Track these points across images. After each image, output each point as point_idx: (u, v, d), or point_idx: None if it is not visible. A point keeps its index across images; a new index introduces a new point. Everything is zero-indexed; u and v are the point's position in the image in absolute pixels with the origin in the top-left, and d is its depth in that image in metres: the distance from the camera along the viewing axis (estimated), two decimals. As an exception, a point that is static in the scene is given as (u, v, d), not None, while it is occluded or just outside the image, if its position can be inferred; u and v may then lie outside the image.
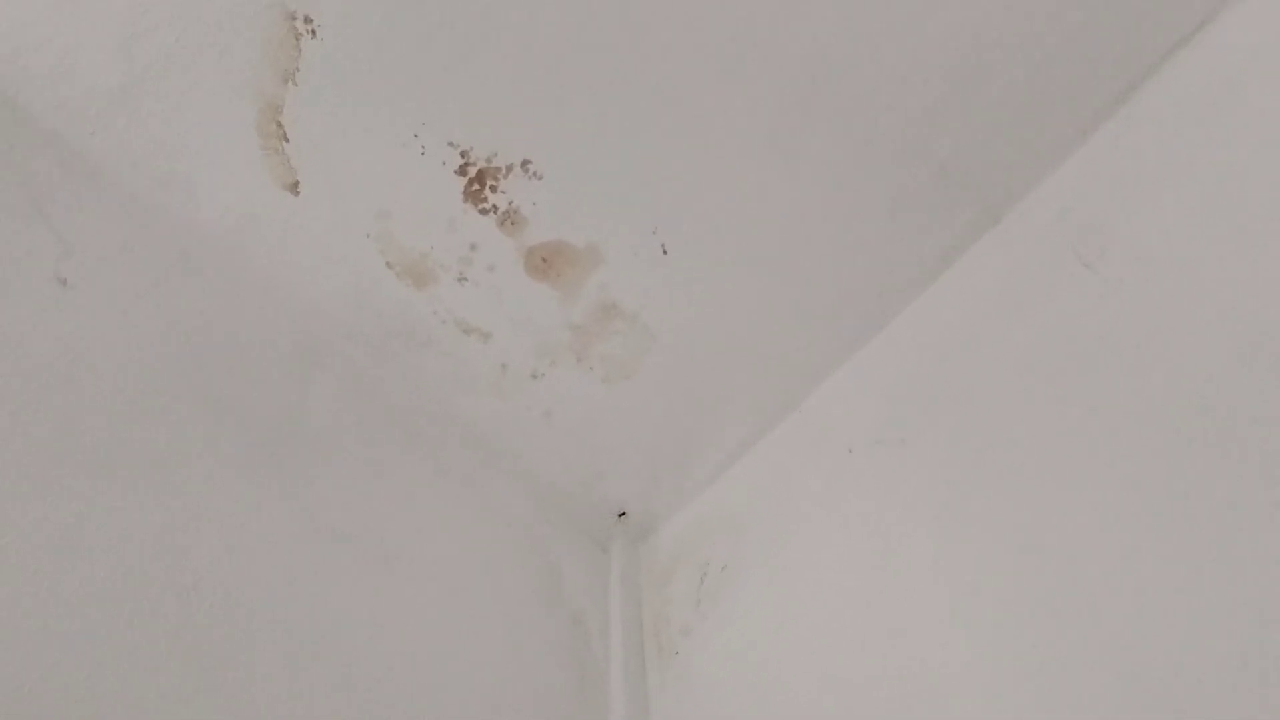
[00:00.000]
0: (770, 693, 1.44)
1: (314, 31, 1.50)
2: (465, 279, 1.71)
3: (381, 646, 1.38)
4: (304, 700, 1.22)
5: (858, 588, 1.41)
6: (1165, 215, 1.33)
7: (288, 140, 1.59)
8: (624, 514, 1.99)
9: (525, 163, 1.60)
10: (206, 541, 1.27)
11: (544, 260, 1.69)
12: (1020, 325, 1.46)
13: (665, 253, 1.68)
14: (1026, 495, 1.27)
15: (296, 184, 1.62)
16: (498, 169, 1.61)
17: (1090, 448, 1.22)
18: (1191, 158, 1.34)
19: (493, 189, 1.62)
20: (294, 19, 1.49)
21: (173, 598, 1.17)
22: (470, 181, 1.62)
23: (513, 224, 1.65)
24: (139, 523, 1.21)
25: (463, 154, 1.59)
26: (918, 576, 1.34)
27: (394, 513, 1.57)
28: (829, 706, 1.33)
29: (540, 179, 1.61)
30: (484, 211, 1.64)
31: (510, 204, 1.64)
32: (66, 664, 1.03)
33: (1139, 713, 0.95)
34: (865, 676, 1.31)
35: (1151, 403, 1.17)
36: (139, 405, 1.34)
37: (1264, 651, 0.89)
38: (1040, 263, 1.49)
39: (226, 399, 1.47)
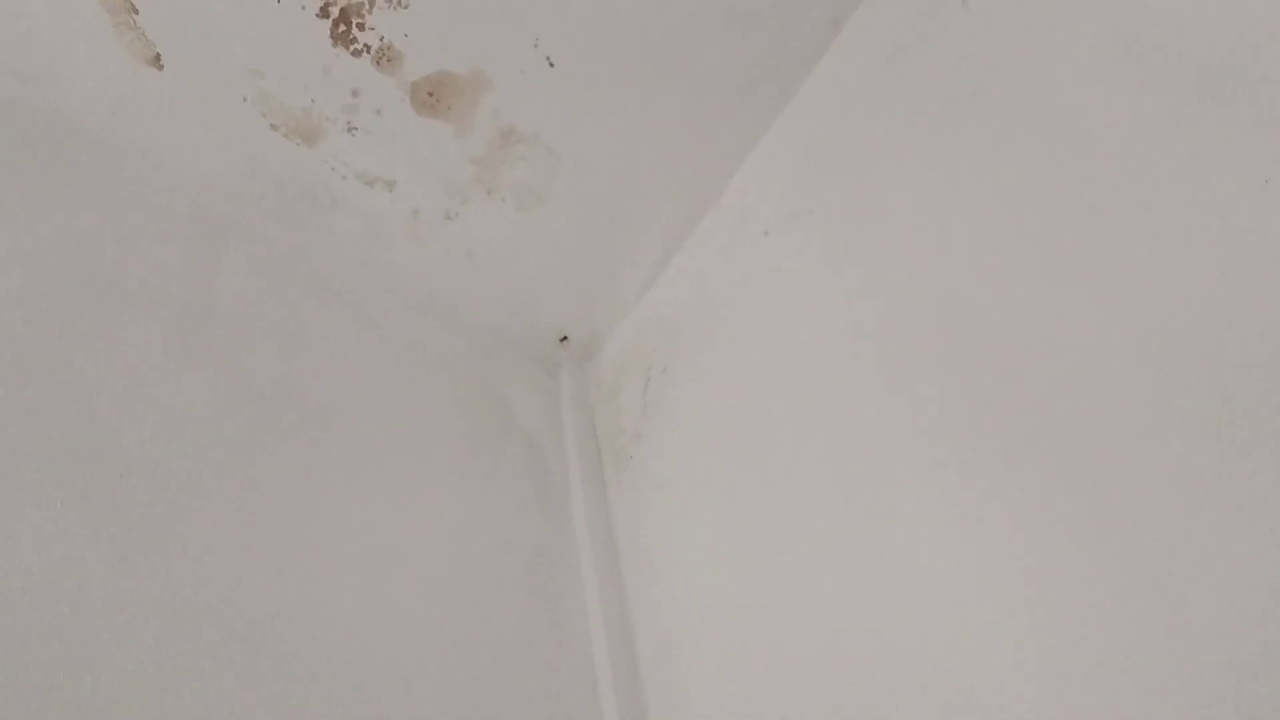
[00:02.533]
0: (716, 480, 1.48)
1: (135, -114, 1.41)
2: (354, 128, 1.67)
3: (329, 509, 1.40)
4: (251, 574, 1.24)
5: (783, 366, 1.43)
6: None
7: (137, 11, 1.52)
8: (565, 338, 2.00)
9: (388, -8, 1.54)
10: (132, 424, 1.28)
11: (430, 95, 1.65)
12: (909, 77, 1.44)
13: (552, 65, 1.63)
14: (927, 236, 1.28)
15: (158, 57, 1.56)
16: (360, 4, 1.54)
17: (979, 181, 1.22)
18: None
19: (359, 27, 1.56)
20: (110, -125, 1.40)
21: (105, 481, 1.20)
22: (335, 23, 1.56)
23: (389, 61, 1.60)
24: (62, 415, 1.22)
25: (320, -7, 1.52)
26: (836, 341, 1.35)
27: (325, 372, 1.58)
28: (770, 484, 1.37)
29: (407, 8, 1.55)
30: (356, 53, 1.59)
31: (382, 40, 1.58)
32: (3, 556, 1.05)
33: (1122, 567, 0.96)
34: (799, 449, 1.35)
35: (1034, 122, 1.16)
36: (40, 309, 1.33)
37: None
38: (922, 11, 1.45)
39: (134, 288, 1.46)
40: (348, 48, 1.58)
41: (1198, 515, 0.82)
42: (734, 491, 1.45)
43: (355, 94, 1.63)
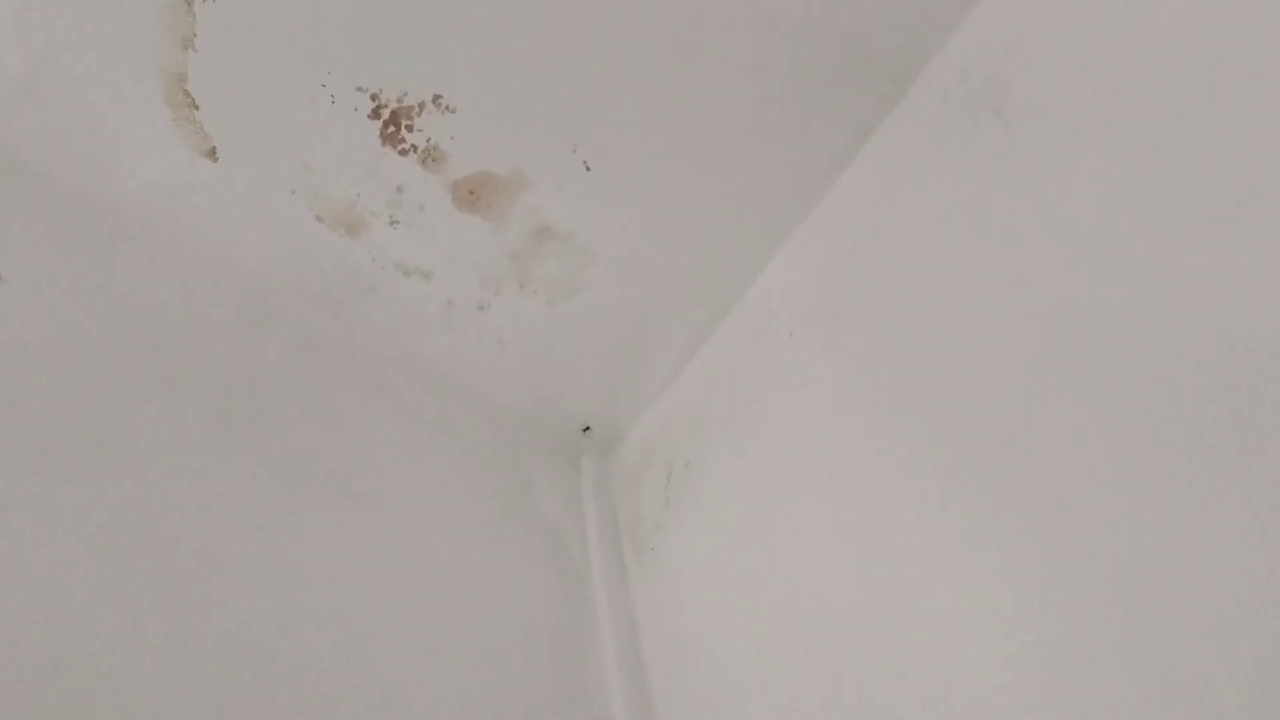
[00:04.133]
0: (738, 572, 1.51)
1: (204, -6, 1.50)
2: (397, 222, 1.74)
3: (360, 585, 1.43)
4: (288, 645, 1.28)
5: (807, 463, 1.48)
6: (1061, 58, 1.37)
7: (197, 107, 1.59)
8: (588, 428, 2.05)
9: (436, 98, 1.62)
10: (177, 505, 1.32)
11: (471, 192, 1.72)
12: (936, 187, 1.51)
13: (588, 169, 1.71)
14: (958, 348, 1.33)
15: (214, 150, 1.64)
16: (410, 108, 1.62)
17: (1012, 294, 1.28)
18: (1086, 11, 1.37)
19: (409, 128, 1.64)
20: (183, -16, 1.49)
21: (150, 561, 1.23)
22: (385, 124, 1.63)
23: (434, 161, 1.68)
24: (109, 497, 1.26)
25: (373, 97, 1.60)
26: (860, 444, 1.40)
27: (359, 454, 1.62)
28: (792, 580, 1.40)
29: (454, 112, 1.63)
30: (404, 152, 1.66)
31: (429, 141, 1.66)
32: (57, 635, 1.08)
33: (1115, 603, 1.00)
34: (819, 547, 1.39)
35: (1050, 236, 1.23)
36: (92, 388, 1.38)
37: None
38: (948, 123, 1.54)
39: (178, 369, 1.51)
40: (395, 147, 1.65)
41: (1168, 521, 0.90)
42: (753, 586, 1.48)
43: (400, 190, 1.70)
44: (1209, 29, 1.14)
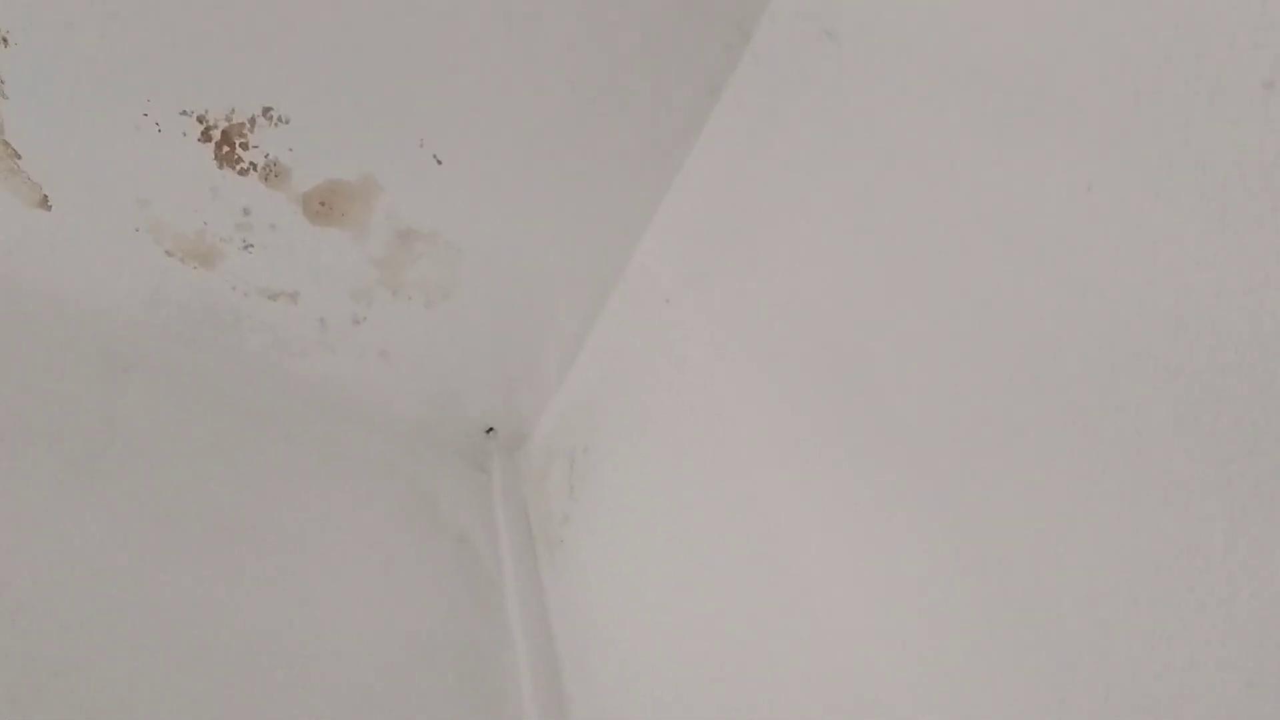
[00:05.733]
0: (638, 557, 1.46)
1: (4, 39, 1.44)
2: (251, 245, 1.68)
3: (247, 619, 1.36)
4: (165, 692, 1.21)
5: (689, 433, 1.43)
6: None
7: (20, 157, 1.54)
8: (491, 429, 1.99)
9: (266, 110, 1.56)
10: (27, 562, 1.25)
11: (322, 204, 1.66)
12: (786, 130, 1.46)
13: (440, 163, 1.65)
14: (808, 282, 1.29)
15: (45, 198, 1.58)
16: (241, 124, 1.56)
17: (865, 229, 1.23)
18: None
19: (243, 146, 1.58)
20: (-22, 31, 1.43)
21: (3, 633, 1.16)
22: (218, 145, 1.58)
23: (276, 176, 1.62)
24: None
25: (199, 119, 1.55)
26: (737, 411, 1.35)
27: (241, 489, 1.56)
28: (685, 562, 1.36)
29: (287, 123, 1.58)
30: (243, 172, 1.60)
31: (267, 157, 1.60)
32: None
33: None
34: (712, 513, 1.34)
35: (887, 153, 1.19)
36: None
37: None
38: (791, 60, 1.49)
39: (32, 424, 1.44)
40: (234, 168, 1.60)
41: (1057, 522, 0.83)
42: (655, 562, 1.43)
43: (247, 212, 1.64)
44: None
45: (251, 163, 1.60)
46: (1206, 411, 0.72)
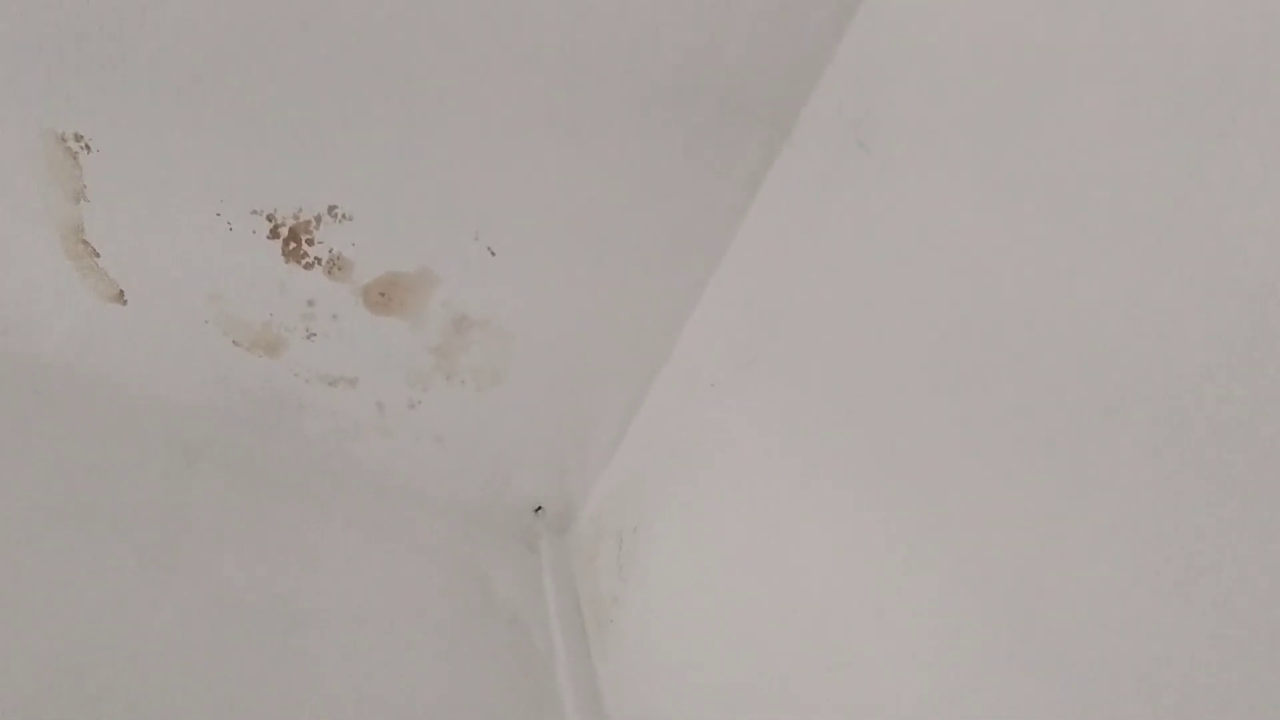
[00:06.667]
0: (687, 636, 1.49)
1: (87, 146, 1.54)
2: (314, 334, 1.75)
3: (311, 704, 1.40)
4: None
5: (735, 512, 1.47)
6: (918, 92, 1.39)
7: (98, 255, 1.62)
8: (540, 508, 2.03)
9: (332, 209, 1.64)
10: (108, 648, 1.30)
11: (382, 295, 1.74)
12: (823, 225, 1.52)
13: (493, 254, 1.73)
14: (860, 379, 1.33)
15: (121, 293, 1.66)
16: (307, 222, 1.65)
17: (897, 314, 1.28)
18: (936, 38, 1.40)
19: (309, 242, 1.66)
20: (65, 140, 1.53)
21: (82, 709, 1.21)
22: (285, 241, 1.66)
23: (340, 269, 1.70)
24: (38, 649, 1.24)
25: (269, 218, 1.63)
26: (783, 481, 1.39)
27: (303, 574, 1.61)
28: (735, 636, 1.39)
29: (351, 220, 1.66)
30: (308, 266, 1.68)
31: (331, 251, 1.68)
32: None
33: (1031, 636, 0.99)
34: (767, 602, 1.37)
35: (924, 253, 1.24)
36: (20, 544, 1.37)
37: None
38: (828, 162, 1.55)
39: (108, 514, 1.51)
40: (299, 262, 1.68)
41: (1048, 526, 0.91)
42: (704, 645, 1.46)
43: (311, 303, 1.72)
44: (1047, 41, 1.16)
45: (316, 257, 1.68)
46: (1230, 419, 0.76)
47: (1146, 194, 0.94)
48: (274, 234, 1.65)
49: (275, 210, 1.63)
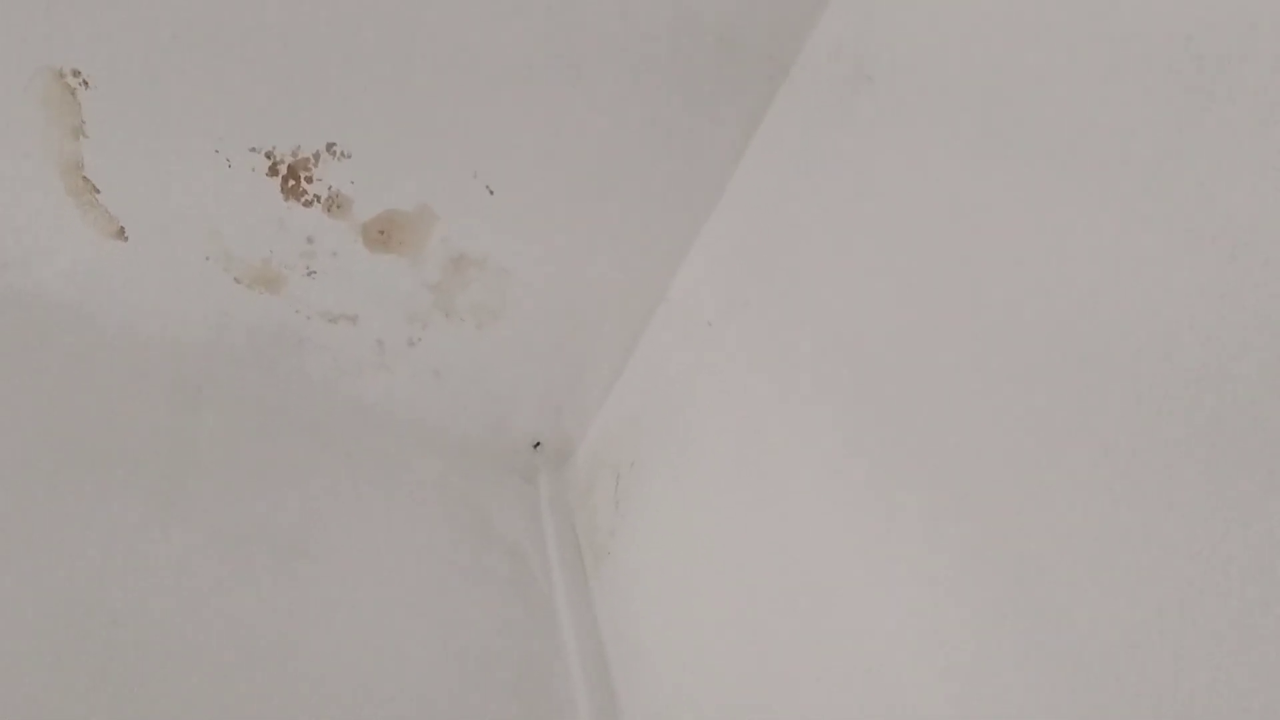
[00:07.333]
0: (683, 569, 1.54)
1: (85, 82, 1.54)
2: (314, 272, 1.77)
3: (316, 633, 1.44)
4: (245, 703, 1.29)
5: (730, 451, 1.50)
6: (918, 30, 1.39)
7: (99, 191, 1.63)
8: (539, 444, 2.07)
9: (330, 146, 1.65)
10: (119, 584, 1.34)
11: (381, 233, 1.75)
12: (823, 164, 1.53)
13: (491, 193, 1.74)
14: (859, 322, 1.35)
15: (122, 230, 1.67)
16: (306, 159, 1.65)
17: (898, 255, 1.30)
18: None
19: (308, 180, 1.67)
20: (63, 76, 1.52)
21: (94, 643, 1.24)
22: (284, 179, 1.66)
23: (339, 207, 1.71)
24: (50, 583, 1.28)
25: (267, 155, 1.64)
26: (776, 428, 1.43)
27: (307, 509, 1.65)
28: (727, 572, 1.43)
29: (349, 157, 1.66)
30: (307, 204, 1.69)
31: (330, 189, 1.69)
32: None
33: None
34: (755, 533, 1.41)
35: (926, 195, 1.26)
36: (29, 480, 1.41)
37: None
38: (828, 100, 1.56)
39: (115, 449, 1.54)
40: (299, 200, 1.68)
41: (1081, 527, 0.89)
42: (700, 578, 1.50)
43: (310, 240, 1.73)
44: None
45: (315, 195, 1.69)
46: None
47: (1141, 143, 0.95)
48: (273, 171, 1.65)
49: (274, 148, 1.63)
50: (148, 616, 1.32)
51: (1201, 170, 0.87)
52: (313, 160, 1.65)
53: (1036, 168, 1.10)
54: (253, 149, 1.63)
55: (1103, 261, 0.96)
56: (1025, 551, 0.97)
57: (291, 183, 1.67)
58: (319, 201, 1.69)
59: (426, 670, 1.51)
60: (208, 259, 1.72)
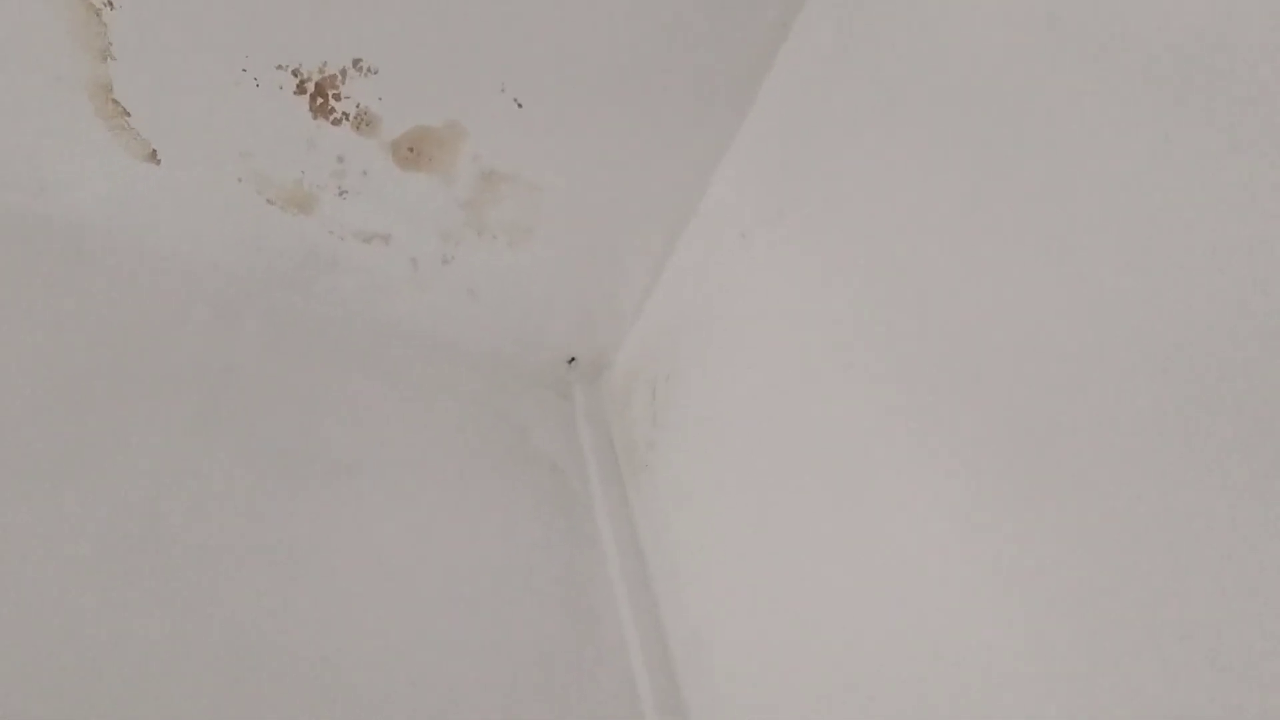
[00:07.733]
0: (723, 479, 1.55)
1: (110, 3, 1.52)
2: (345, 191, 1.76)
3: (363, 555, 1.47)
4: (296, 626, 1.32)
5: (770, 359, 1.50)
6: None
7: (129, 114, 1.63)
8: (574, 359, 2.08)
9: (356, 62, 1.63)
10: (171, 503, 1.38)
11: (411, 150, 1.74)
12: (861, 68, 1.49)
13: (520, 107, 1.71)
14: (890, 223, 1.33)
15: (154, 153, 1.67)
16: (333, 77, 1.63)
17: (937, 167, 1.27)
18: None
19: (335, 97, 1.66)
20: (88, -3, 1.51)
21: (149, 560, 1.28)
22: (312, 97, 1.65)
23: (368, 125, 1.69)
24: (104, 503, 1.32)
25: (294, 73, 1.62)
26: (816, 333, 1.42)
27: (348, 428, 1.67)
28: (771, 478, 1.44)
29: (376, 73, 1.64)
30: (336, 122, 1.68)
31: (358, 107, 1.67)
32: (60, 637, 1.14)
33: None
34: (795, 444, 1.41)
35: (990, 105, 1.22)
36: (76, 402, 1.44)
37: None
38: (861, 3, 1.51)
39: (158, 372, 1.57)
40: (327, 118, 1.67)
41: (1182, 510, 0.82)
42: (740, 488, 1.52)
43: (341, 160, 1.72)
44: None
45: (344, 113, 1.67)
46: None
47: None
48: (300, 89, 1.64)
49: (300, 65, 1.61)
50: (200, 535, 1.36)
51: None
52: (339, 77, 1.63)
53: (1091, 72, 1.06)
54: (279, 66, 1.61)
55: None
56: (1083, 496, 0.95)
57: (319, 100, 1.65)
58: (348, 119, 1.68)
59: (472, 582, 1.55)
60: (240, 181, 1.72)
